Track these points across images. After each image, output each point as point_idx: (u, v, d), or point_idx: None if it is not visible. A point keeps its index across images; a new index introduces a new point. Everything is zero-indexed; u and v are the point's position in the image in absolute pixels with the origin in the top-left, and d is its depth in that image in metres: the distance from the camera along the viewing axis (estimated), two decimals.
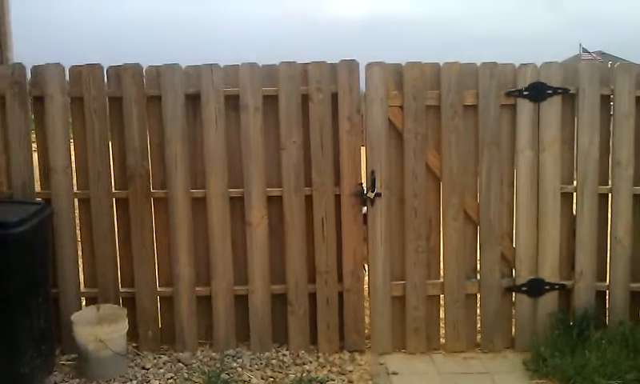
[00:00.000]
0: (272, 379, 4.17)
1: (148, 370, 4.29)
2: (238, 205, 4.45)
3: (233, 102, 4.35)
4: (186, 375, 4.21)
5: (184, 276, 4.47)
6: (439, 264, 4.58)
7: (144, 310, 4.52)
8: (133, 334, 4.48)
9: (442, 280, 4.56)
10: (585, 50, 32.25)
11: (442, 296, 4.59)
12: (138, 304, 4.51)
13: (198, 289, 4.51)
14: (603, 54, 30.21)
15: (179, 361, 4.41)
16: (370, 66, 4.32)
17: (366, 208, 4.44)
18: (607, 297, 4.59)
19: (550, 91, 4.33)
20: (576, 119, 4.41)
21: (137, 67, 4.32)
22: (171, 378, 4.19)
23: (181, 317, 4.51)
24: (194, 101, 4.36)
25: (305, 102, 4.35)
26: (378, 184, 4.38)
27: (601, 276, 4.56)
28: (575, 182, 4.48)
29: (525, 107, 4.36)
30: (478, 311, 4.63)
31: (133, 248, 4.47)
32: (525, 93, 4.34)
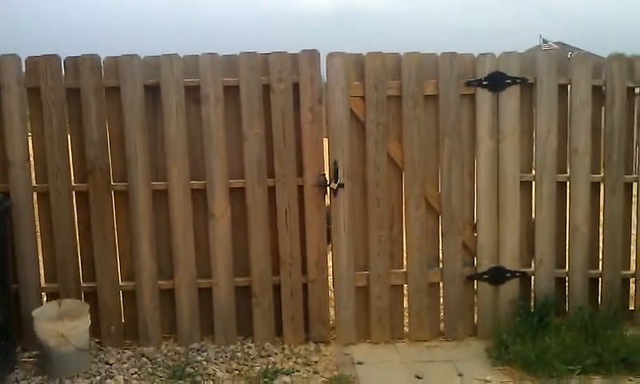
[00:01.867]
0: (237, 372, 4.15)
1: (112, 365, 4.24)
2: (200, 197, 4.42)
3: (193, 93, 4.31)
4: (150, 370, 4.17)
5: (146, 270, 4.43)
6: (402, 253, 4.61)
7: (106, 305, 4.47)
8: (95, 330, 4.42)
9: (405, 269, 4.59)
10: (545, 41, 32.55)
11: (405, 285, 4.62)
12: (100, 299, 4.46)
13: (160, 282, 4.47)
14: (563, 45, 30.54)
15: (143, 355, 4.37)
16: (331, 56, 4.33)
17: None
18: (567, 283, 4.67)
19: (508, 81, 4.39)
20: (534, 108, 4.47)
21: (94, 58, 4.26)
22: (135, 372, 4.15)
23: (144, 311, 4.47)
24: (153, 92, 4.31)
25: (266, 92, 4.33)
26: (340, 174, 4.39)
27: (560, 263, 4.64)
28: (534, 171, 4.54)
29: (484, 97, 4.41)
30: (441, 300, 4.68)
31: (94, 242, 4.41)
32: (484, 82, 4.39)
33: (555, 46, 28.51)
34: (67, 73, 4.29)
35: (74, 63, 4.27)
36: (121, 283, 4.50)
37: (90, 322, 4.25)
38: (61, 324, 4.10)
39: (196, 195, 4.42)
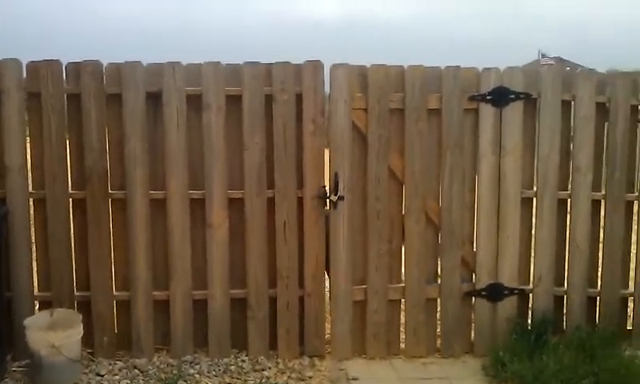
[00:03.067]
0: None
1: (103, 376, 4.17)
2: (198, 206, 4.37)
3: (195, 102, 4.27)
4: (142, 382, 4.11)
5: (141, 280, 4.36)
6: (400, 268, 4.58)
7: (100, 315, 4.39)
8: (88, 340, 4.33)
9: (403, 284, 4.55)
10: (544, 56, 32.81)
11: (402, 300, 4.58)
12: (93, 308, 4.38)
13: (155, 293, 4.40)
14: (561, 60, 30.72)
15: (135, 367, 4.29)
16: (334, 67, 4.31)
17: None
18: (565, 302, 4.64)
19: (512, 96, 4.38)
20: (537, 124, 4.46)
21: (96, 64, 4.22)
22: None
23: (137, 322, 4.40)
24: (155, 99, 4.27)
25: (268, 102, 4.30)
26: (341, 187, 4.35)
27: (559, 281, 4.62)
28: (535, 187, 4.52)
29: (487, 111, 4.39)
30: (438, 316, 4.64)
31: (89, 250, 4.34)
32: (488, 97, 4.38)
33: (553, 61, 28.69)
34: (68, 78, 4.24)
35: (76, 69, 4.22)
36: (115, 293, 4.42)
37: (82, 333, 4.18)
38: (52, 334, 4.02)
39: (194, 205, 4.36)
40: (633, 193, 4.60)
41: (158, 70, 4.24)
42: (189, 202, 4.33)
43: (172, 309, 4.40)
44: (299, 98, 4.31)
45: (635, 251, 4.66)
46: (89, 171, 4.27)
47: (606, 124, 4.53)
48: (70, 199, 4.33)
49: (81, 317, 4.23)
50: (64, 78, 4.23)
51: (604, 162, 4.56)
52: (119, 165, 4.31)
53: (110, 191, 4.32)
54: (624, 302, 4.71)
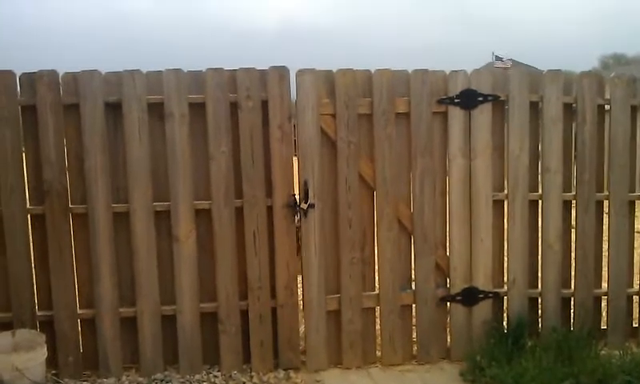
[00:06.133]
0: None
1: None
2: (164, 219, 4.25)
3: (157, 111, 4.16)
4: None
5: (107, 296, 4.22)
6: (374, 275, 4.51)
7: (64, 335, 4.25)
8: (52, 361, 4.21)
9: (377, 292, 4.48)
10: (498, 58, 33.26)
11: (377, 308, 4.51)
12: (57, 328, 4.24)
13: (122, 310, 4.27)
14: (514, 61, 31.20)
15: None
16: (301, 72, 4.23)
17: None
18: (540, 303, 4.62)
19: (480, 98, 4.35)
20: (506, 126, 4.44)
21: (52, 74, 4.08)
22: None
23: (104, 340, 4.26)
24: (115, 109, 4.15)
25: (234, 110, 4.20)
26: (311, 194, 4.27)
27: (533, 283, 4.60)
28: (506, 189, 4.50)
29: (456, 114, 4.36)
30: (414, 322, 4.58)
31: (50, 268, 4.19)
32: (456, 100, 4.34)
33: (510, 64, 29.11)
34: (23, 89, 4.10)
35: (30, 79, 4.08)
36: (79, 311, 4.29)
37: (46, 354, 4.05)
38: (15, 356, 3.89)
39: (160, 218, 4.24)
40: (602, 192, 4.60)
41: (116, 78, 4.11)
42: (154, 214, 4.21)
43: (140, 325, 4.28)
44: (265, 104, 4.22)
45: (607, 250, 4.65)
46: (47, 185, 4.12)
47: (574, 124, 4.53)
48: (29, 215, 4.18)
49: (44, 337, 4.10)
50: (18, 89, 4.10)
51: (573, 162, 4.55)
52: (79, 178, 4.18)
53: (70, 206, 4.19)
54: (598, 301, 4.72)
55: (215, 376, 4.30)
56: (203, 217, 4.27)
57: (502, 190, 4.52)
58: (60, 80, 4.10)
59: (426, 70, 4.33)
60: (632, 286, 4.74)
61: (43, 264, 4.22)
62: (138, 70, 4.13)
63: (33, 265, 4.25)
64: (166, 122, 4.15)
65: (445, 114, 4.37)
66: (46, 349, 4.04)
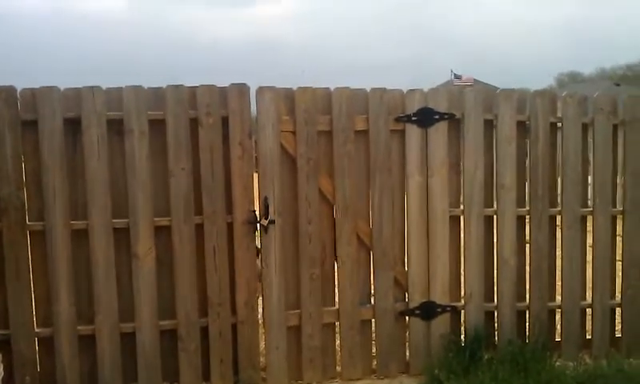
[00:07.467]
0: None
1: None
2: (123, 236, 4.22)
3: (117, 127, 4.15)
4: None
5: (64, 314, 4.17)
6: (334, 291, 4.54)
7: (20, 354, 4.17)
8: (9, 381, 4.13)
9: (337, 307, 4.51)
10: (456, 76, 33.57)
11: (337, 323, 4.54)
12: (13, 347, 4.16)
13: (80, 328, 4.22)
14: (475, 80, 31.60)
15: None
16: (261, 90, 4.27)
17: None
18: (496, 316, 4.70)
19: (437, 116, 4.45)
20: (462, 143, 4.54)
21: (10, 89, 4.04)
22: None
23: (62, 359, 4.20)
24: (74, 125, 4.12)
25: (194, 126, 4.21)
26: (271, 210, 4.30)
27: (489, 296, 4.68)
28: (462, 205, 4.59)
29: (413, 132, 4.44)
30: (374, 337, 4.62)
31: (7, 286, 4.12)
32: (413, 118, 4.43)
33: (472, 81, 29.48)
34: None
35: None
36: (37, 330, 4.22)
37: (2, 373, 4.00)
38: None
39: (119, 235, 4.21)
40: (555, 208, 4.72)
41: (76, 94, 4.10)
42: (113, 231, 4.18)
43: (98, 343, 4.23)
44: (225, 121, 4.24)
45: (560, 264, 4.77)
46: (4, 202, 4.07)
47: (528, 141, 4.65)
48: None
49: (0, 356, 4.03)
50: None
51: (527, 178, 4.67)
52: (37, 194, 4.13)
53: (27, 223, 4.13)
54: (552, 314, 4.82)
55: None
56: (163, 233, 4.26)
57: (459, 206, 4.61)
58: (18, 95, 4.07)
59: (384, 89, 4.42)
60: (585, 299, 4.85)
61: None
62: (97, 86, 4.12)
63: None
64: (125, 138, 4.14)
65: (402, 132, 4.45)
66: (2, 368, 3.98)
